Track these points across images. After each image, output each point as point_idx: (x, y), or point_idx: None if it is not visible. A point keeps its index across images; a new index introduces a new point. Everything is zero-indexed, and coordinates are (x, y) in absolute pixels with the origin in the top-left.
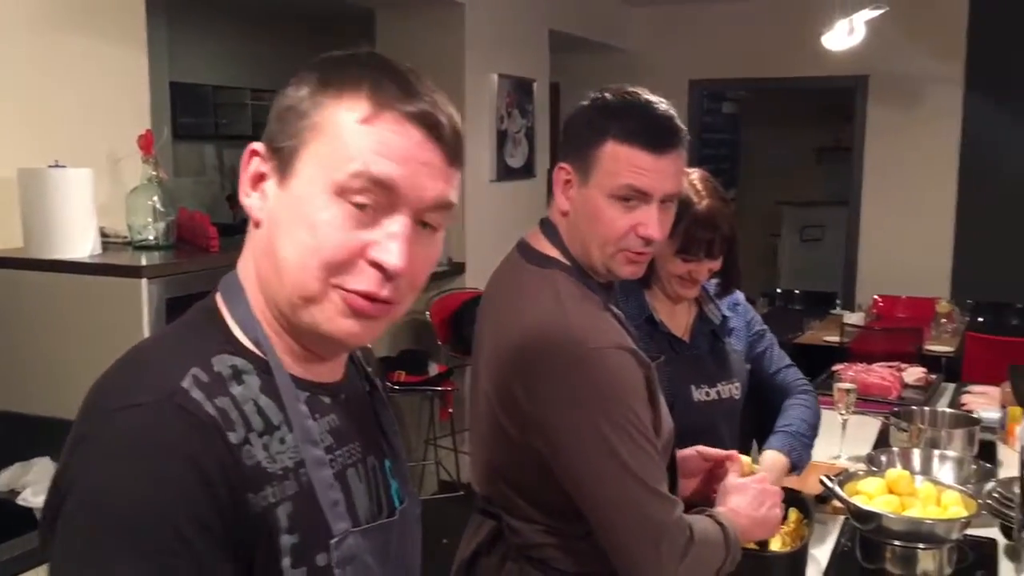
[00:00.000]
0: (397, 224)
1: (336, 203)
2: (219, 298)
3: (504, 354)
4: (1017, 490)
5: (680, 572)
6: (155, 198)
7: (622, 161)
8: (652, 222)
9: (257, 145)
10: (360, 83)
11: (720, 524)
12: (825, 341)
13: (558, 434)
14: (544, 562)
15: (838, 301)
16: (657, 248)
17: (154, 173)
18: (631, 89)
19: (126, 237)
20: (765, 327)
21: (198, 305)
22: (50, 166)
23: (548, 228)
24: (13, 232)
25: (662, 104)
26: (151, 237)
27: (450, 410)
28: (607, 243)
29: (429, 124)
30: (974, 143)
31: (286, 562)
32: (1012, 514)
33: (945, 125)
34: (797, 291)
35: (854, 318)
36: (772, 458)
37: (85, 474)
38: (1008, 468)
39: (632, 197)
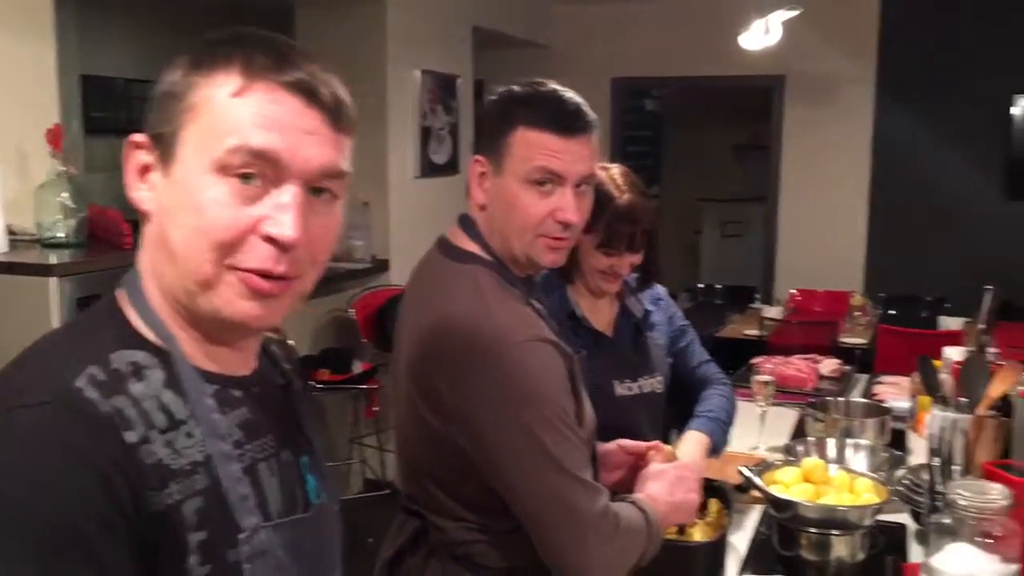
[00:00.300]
0: (287, 195)
1: (220, 181)
2: (121, 293)
3: (426, 351)
4: (926, 476)
5: (607, 561)
6: (65, 194)
7: (533, 146)
8: (569, 206)
9: (138, 137)
10: (231, 58)
11: (641, 510)
12: (745, 335)
13: (482, 429)
14: (469, 559)
15: (757, 295)
16: (576, 234)
17: (64, 168)
18: (538, 80)
19: (35, 235)
20: (687, 322)
21: (99, 301)
22: None
23: (467, 224)
24: None
25: (568, 92)
26: (61, 234)
27: (375, 408)
28: (526, 230)
29: (307, 91)
30: (886, 142)
31: (193, 560)
32: (921, 499)
33: (858, 124)
34: (718, 286)
35: (773, 312)
36: (695, 438)
37: None
38: (918, 455)
39: (546, 181)
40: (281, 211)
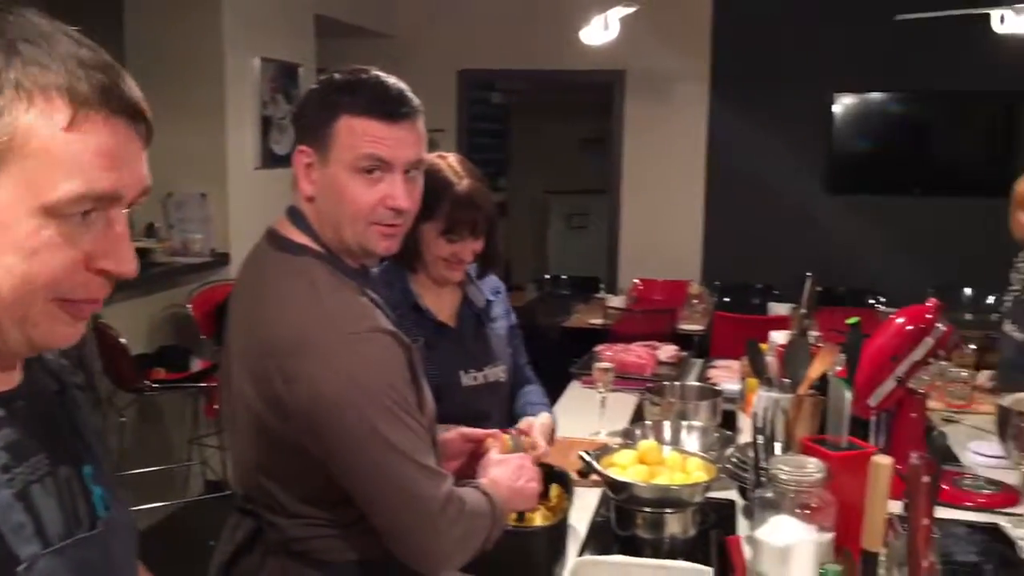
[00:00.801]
0: (120, 224)
1: (50, 223)
2: None
3: (261, 347)
4: (752, 454)
5: (455, 546)
6: None
7: (358, 133)
8: (399, 192)
9: None
10: (49, 78)
11: (485, 494)
12: (590, 324)
13: (323, 423)
14: (310, 555)
15: (602, 285)
16: (408, 220)
17: None
18: (359, 67)
19: None
20: (517, 322)
21: None
22: None
23: (295, 216)
24: None
25: (391, 79)
26: None
27: (216, 407)
28: (357, 219)
29: (133, 113)
30: (719, 138)
31: None
32: (747, 476)
33: (694, 120)
34: (564, 277)
35: (616, 301)
36: (544, 417)
37: None
38: (746, 434)
39: (374, 168)
40: (119, 244)
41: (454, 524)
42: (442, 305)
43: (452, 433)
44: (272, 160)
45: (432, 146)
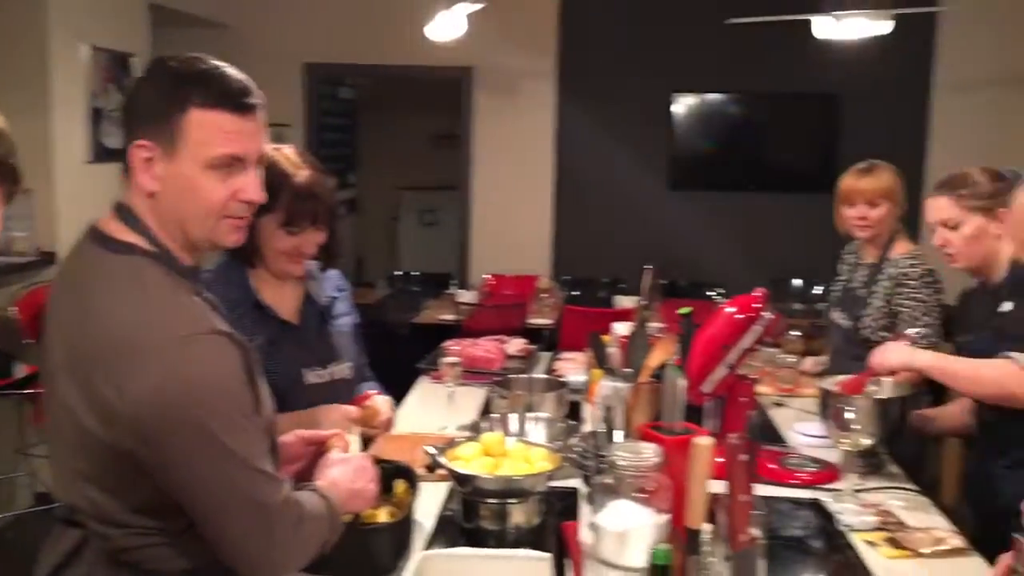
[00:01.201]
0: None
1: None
2: None
3: (88, 352)
4: (593, 442)
5: (292, 551)
6: None
7: (211, 128)
8: (252, 186)
9: None
10: None
11: (324, 497)
12: (441, 320)
13: (155, 428)
14: (137, 566)
15: (453, 281)
16: (253, 211)
17: None
18: (196, 55)
19: None
20: (359, 321)
21: None
22: None
23: (125, 213)
24: None
25: (231, 68)
26: None
27: (44, 415)
28: (209, 215)
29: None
30: (566, 135)
31: None
32: (589, 463)
33: (541, 117)
34: (416, 273)
35: (467, 296)
36: (384, 399)
37: None
38: (591, 424)
39: (230, 164)
40: None
41: (290, 531)
42: (284, 302)
43: (291, 436)
44: (104, 154)
45: (278, 141)
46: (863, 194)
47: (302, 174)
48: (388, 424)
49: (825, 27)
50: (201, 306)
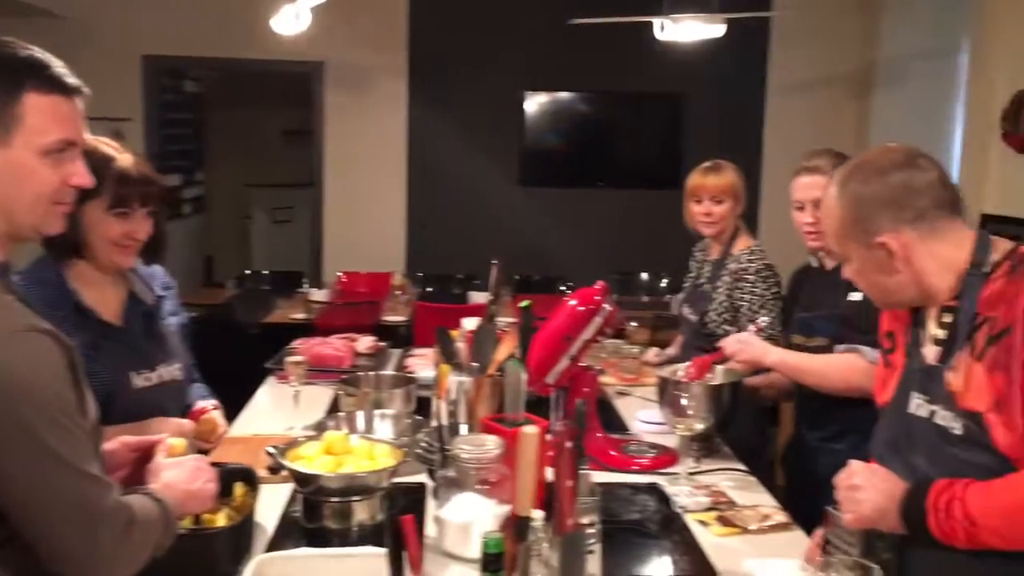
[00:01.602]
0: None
1: None
2: None
3: None
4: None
5: (120, 556)
6: None
7: (47, 113)
8: (82, 171)
9: None
10: None
11: (157, 500)
12: (292, 319)
13: None
14: None
15: (305, 280)
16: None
17: None
18: (7, 39)
19: None
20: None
21: None
22: None
23: None
24: None
25: (47, 53)
26: None
27: None
28: (39, 202)
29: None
30: (418, 131)
31: None
32: (434, 458)
33: (394, 113)
34: (266, 272)
35: (320, 295)
36: (218, 413)
37: None
38: (438, 419)
39: (64, 149)
40: None
41: (122, 534)
42: (106, 303)
43: (114, 443)
44: None
45: (116, 136)
46: (708, 191)
47: (125, 156)
48: (222, 438)
49: (664, 29)
50: (16, 304)
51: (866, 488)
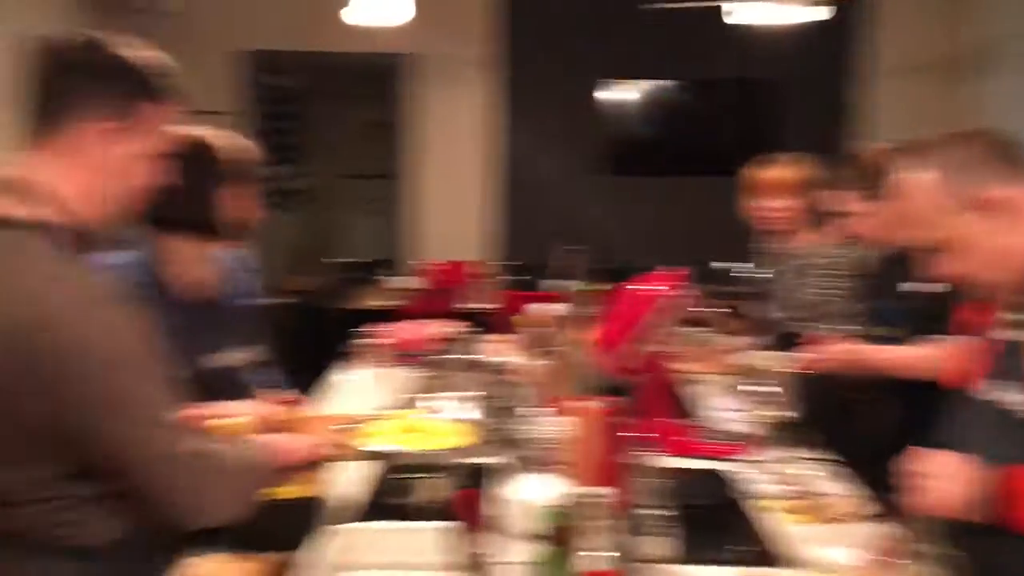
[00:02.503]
0: None
1: None
2: None
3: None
4: (512, 418)
5: (223, 497)
6: None
7: (158, 120)
8: (165, 170)
9: None
10: None
11: (249, 447)
12: (379, 305)
13: (79, 392)
14: (59, 543)
15: (392, 268)
16: None
17: None
18: (128, 39)
19: None
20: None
21: None
22: None
23: (25, 189)
24: None
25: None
26: None
27: None
28: (132, 197)
29: None
30: (503, 122)
31: None
32: (508, 438)
33: (478, 104)
34: (354, 260)
35: (406, 282)
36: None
37: None
38: (514, 402)
39: (161, 153)
40: None
41: (220, 476)
42: (189, 281)
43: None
44: None
45: (225, 128)
46: (781, 185)
47: (239, 144)
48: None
49: (735, 13)
50: (98, 275)
51: (941, 476)
